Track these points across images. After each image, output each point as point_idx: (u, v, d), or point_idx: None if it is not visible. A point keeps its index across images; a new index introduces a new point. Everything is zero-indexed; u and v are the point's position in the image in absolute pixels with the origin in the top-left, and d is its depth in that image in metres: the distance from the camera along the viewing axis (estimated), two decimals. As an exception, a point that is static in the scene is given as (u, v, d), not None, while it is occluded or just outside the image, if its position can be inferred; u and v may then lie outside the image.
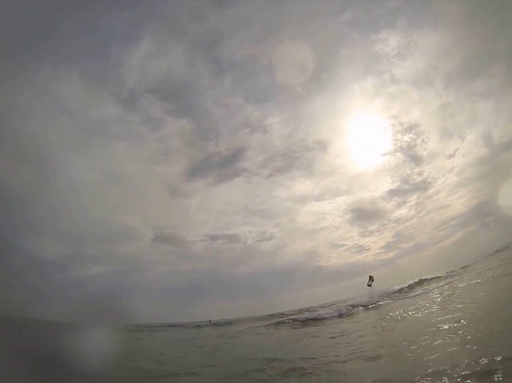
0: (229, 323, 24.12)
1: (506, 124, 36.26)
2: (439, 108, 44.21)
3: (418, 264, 35.79)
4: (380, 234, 43.11)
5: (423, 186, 44.22)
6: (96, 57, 39.79)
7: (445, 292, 16.91)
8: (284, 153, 45.06)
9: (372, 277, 22.30)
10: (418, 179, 44.29)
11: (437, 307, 13.39)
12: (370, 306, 20.33)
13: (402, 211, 44.31)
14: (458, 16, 35.94)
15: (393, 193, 45.35)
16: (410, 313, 13.87)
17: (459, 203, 41.91)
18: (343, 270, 40.97)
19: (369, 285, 22.09)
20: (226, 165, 48.51)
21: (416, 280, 24.32)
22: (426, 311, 13.06)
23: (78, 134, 38.51)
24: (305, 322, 18.01)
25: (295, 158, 45.42)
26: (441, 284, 20.43)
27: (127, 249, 38.41)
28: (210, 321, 25.60)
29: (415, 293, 20.50)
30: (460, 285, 17.39)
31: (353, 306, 20.30)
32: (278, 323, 18.59)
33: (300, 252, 41.82)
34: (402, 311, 14.84)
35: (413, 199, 43.98)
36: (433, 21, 39.46)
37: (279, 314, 23.52)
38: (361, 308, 20.26)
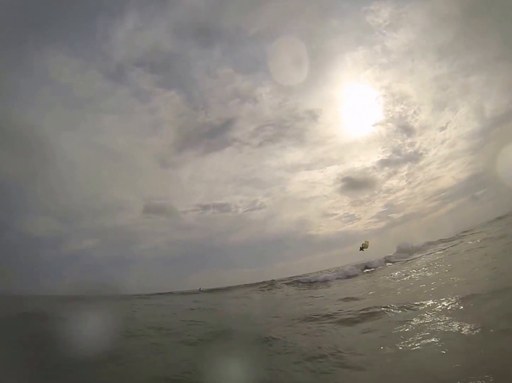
0: (220, 290, 23.49)
1: (498, 98, 35.99)
2: (431, 79, 43.58)
3: (409, 234, 35.98)
4: (370, 204, 43.27)
5: (414, 157, 44.21)
6: (82, 33, 38.13)
7: (440, 257, 17.03)
8: (274, 122, 44.35)
9: (367, 242, 21.85)
10: (410, 150, 44.21)
11: (438, 265, 13.87)
12: (372, 269, 19.94)
13: (393, 182, 44.41)
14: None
15: (384, 163, 45.33)
16: (419, 272, 13.53)
17: (450, 175, 42.19)
18: (334, 239, 41.21)
19: (361, 250, 21.59)
20: (216, 135, 48.24)
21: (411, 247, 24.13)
22: (431, 270, 13.37)
23: (67, 111, 37.67)
24: (310, 284, 17.39)
25: (286, 128, 44.68)
26: (435, 250, 20.27)
27: (119, 222, 38.36)
28: (200, 289, 24.93)
29: (413, 258, 20.19)
30: (453, 249, 17.88)
31: (357, 266, 19.70)
32: (273, 286, 17.95)
33: (291, 221, 41.83)
34: (414, 270, 14.39)
35: (404, 169, 44.00)
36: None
37: (271, 280, 22.96)
38: (366, 270, 19.83)
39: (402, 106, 44.51)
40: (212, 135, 49.65)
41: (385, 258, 21.99)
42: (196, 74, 47.76)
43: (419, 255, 20.89)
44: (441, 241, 24.08)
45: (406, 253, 22.91)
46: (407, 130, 44.64)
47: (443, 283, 9.84)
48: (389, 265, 20.18)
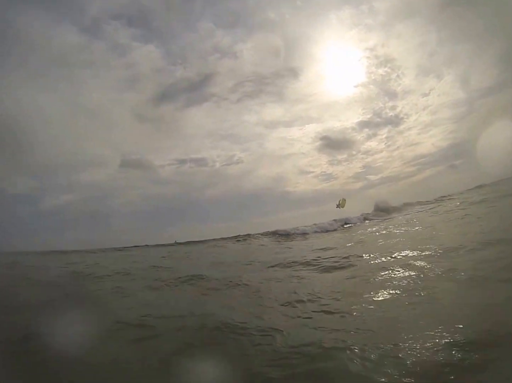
0: (196, 242, 23.04)
1: (485, 70, 35.02)
2: (418, 44, 42.20)
3: (387, 195, 36.33)
4: (348, 164, 43.01)
5: (395, 121, 43.69)
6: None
7: (420, 216, 17.01)
8: (254, 79, 42.77)
9: (344, 200, 21.44)
10: (391, 113, 43.51)
11: (420, 223, 13.64)
12: (351, 225, 19.72)
13: (372, 144, 44.06)
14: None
15: (364, 124, 44.83)
16: (400, 228, 13.27)
17: (430, 142, 42.17)
18: (310, 196, 41.19)
19: (338, 207, 21.17)
20: (195, 90, 46.88)
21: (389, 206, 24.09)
22: (412, 226, 13.09)
23: (40, 66, 35.03)
24: (288, 236, 16.95)
25: (266, 84, 43.08)
26: (413, 211, 20.31)
27: (96, 177, 37.30)
28: (176, 242, 24.36)
29: (391, 217, 20.08)
30: (432, 210, 17.75)
31: (336, 221, 19.37)
32: (249, 237, 17.47)
33: (267, 177, 41.44)
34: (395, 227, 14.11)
35: (383, 132, 43.54)
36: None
37: (247, 234, 22.54)
38: (346, 225, 19.57)
39: (385, 69, 43.23)
40: (191, 90, 48.38)
41: (363, 215, 21.76)
42: (175, 28, 45.36)
43: (398, 214, 20.83)
44: (419, 203, 24.16)
45: (384, 212, 22.79)
46: (389, 93, 43.84)
47: (426, 237, 9.43)
48: (368, 222, 19.99)
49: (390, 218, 19.43)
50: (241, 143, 46.68)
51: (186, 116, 43.48)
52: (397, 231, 12.23)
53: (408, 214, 19.44)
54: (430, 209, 18.97)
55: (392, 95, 43.91)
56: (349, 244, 11.73)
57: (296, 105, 47.83)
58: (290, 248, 13.14)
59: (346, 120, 45.65)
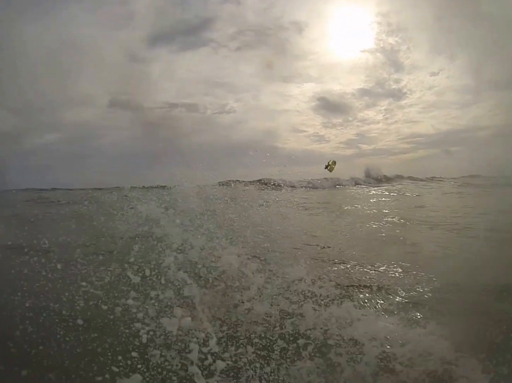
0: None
1: (501, 62, 32.88)
2: (434, 19, 39.25)
3: (378, 165, 36.05)
4: (342, 129, 41.15)
5: (397, 95, 41.43)
6: None
7: (415, 188, 16.88)
8: (256, 28, 39.65)
9: (334, 163, 20.46)
10: (394, 86, 41.10)
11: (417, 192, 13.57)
12: (341, 186, 19.01)
13: (370, 113, 42.08)
14: None
15: (364, 92, 42.49)
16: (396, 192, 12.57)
17: (429, 123, 40.72)
18: (300, 155, 40.10)
19: (326, 169, 20.17)
20: (193, 34, 43.59)
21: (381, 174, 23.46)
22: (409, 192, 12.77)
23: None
24: (275, 186, 15.96)
25: (267, 35, 40.11)
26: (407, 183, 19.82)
27: (83, 116, 35.46)
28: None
29: (382, 185, 19.46)
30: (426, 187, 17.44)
31: (327, 180, 18.42)
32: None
33: (258, 130, 39.63)
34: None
35: (383, 104, 41.34)
36: None
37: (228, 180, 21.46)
38: (337, 186, 18.83)
39: (396, 38, 39.96)
40: (188, 33, 45.04)
41: (354, 179, 21.03)
42: None
43: (388, 184, 20.24)
44: (411, 178, 23.70)
45: (375, 180, 22.16)
46: (396, 65, 41.06)
47: (416, 205, 8.69)
48: (359, 186, 19.38)
49: (381, 186, 18.77)
50: (235, 92, 44.61)
51: (180, 59, 40.84)
52: (389, 196, 11.56)
53: (400, 185, 18.85)
54: (423, 186, 18.57)
55: (399, 67, 41.40)
56: (344, 199, 11.00)
57: (297, 61, 45.36)
58: (276, 195, 12.28)
59: (347, 85, 43.42)
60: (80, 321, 2.13)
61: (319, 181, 18.00)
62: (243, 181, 17.27)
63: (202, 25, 45.46)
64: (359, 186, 19.79)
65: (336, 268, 3.80)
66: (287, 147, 39.67)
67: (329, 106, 37.94)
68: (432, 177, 23.88)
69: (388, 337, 2.23)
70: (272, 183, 15.63)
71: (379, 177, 22.33)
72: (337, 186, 18.89)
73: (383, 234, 5.62)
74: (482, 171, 20.57)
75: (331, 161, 20.14)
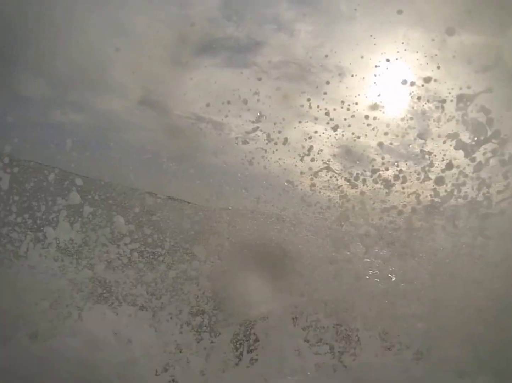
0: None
1: None
2: (473, 95, 40.34)
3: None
4: (357, 182, 41.47)
5: (418, 160, 41.90)
6: None
7: None
8: (300, 63, 40.12)
9: None
10: (417, 150, 41.70)
11: None
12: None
13: (388, 172, 42.26)
14: None
15: (387, 149, 42.13)
16: None
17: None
18: (312, 199, 39.80)
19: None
20: (239, 53, 44.05)
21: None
22: None
23: None
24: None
25: (309, 73, 40.65)
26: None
27: (112, 106, 34.79)
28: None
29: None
30: None
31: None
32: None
33: (276, 164, 39.43)
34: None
35: (403, 166, 41.64)
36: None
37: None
38: None
39: (430, 105, 39.94)
40: (234, 51, 45.37)
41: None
42: None
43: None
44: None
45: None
46: (424, 130, 41.85)
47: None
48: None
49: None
50: (263, 121, 44.47)
51: (219, 75, 41.13)
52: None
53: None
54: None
55: (426, 133, 42.08)
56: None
57: (330, 105, 45.95)
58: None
59: (372, 139, 42.85)
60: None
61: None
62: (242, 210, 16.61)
63: (251, 47, 45.15)
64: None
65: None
66: (300, 187, 39.25)
67: (349, 156, 38.02)
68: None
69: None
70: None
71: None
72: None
73: None
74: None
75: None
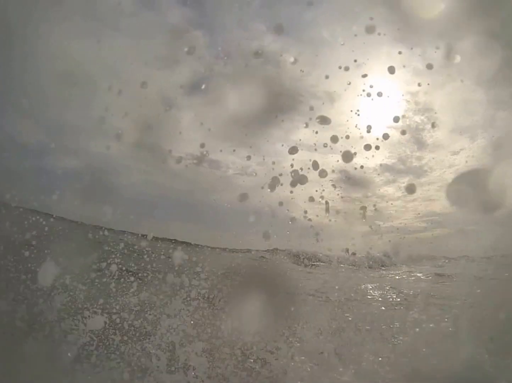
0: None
1: None
2: (460, 100, 41.22)
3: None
4: (360, 204, 41.13)
5: (418, 172, 41.88)
6: None
7: None
8: (289, 93, 41.52)
9: None
10: (415, 163, 41.81)
11: None
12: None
13: (389, 189, 42.09)
14: None
15: (386, 168, 42.84)
16: None
17: (447, 201, 40.59)
18: (316, 229, 39.34)
19: None
20: (229, 89, 45.98)
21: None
22: None
23: (84, 22, 34.23)
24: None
25: (300, 102, 41.85)
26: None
27: (107, 149, 35.99)
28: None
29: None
30: None
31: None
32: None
33: (276, 197, 39.49)
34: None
35: (404, 181, 41.67)
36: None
37: (245, 250, 20.48)
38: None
39: (422, 117, 41.92)
40: (225, 87, 47.59)
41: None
42: (227, 19, 44.39)
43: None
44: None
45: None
46: (419, 143, 42.45)
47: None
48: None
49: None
50: (259, 155, 45.57)
51: (213, 112, 42.47)
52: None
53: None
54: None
55: (422, 145, 42.44)
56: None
57: (324, 132, 46.83)
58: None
59: (370, 159, 43.60)
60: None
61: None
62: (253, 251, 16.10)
63: (239, 82, 47.23)
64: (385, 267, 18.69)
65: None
66: (302, 218, 38.93)
67: (349, 180, 38.08)
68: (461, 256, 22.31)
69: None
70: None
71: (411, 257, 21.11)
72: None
73: None
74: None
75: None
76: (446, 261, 20.97)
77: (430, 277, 12.79)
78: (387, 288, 9.48)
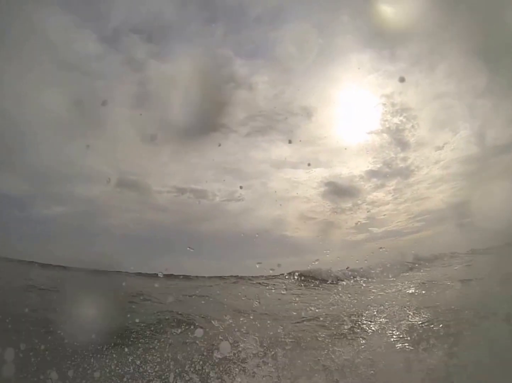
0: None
1: (503, 127, 34.89)
2: (436, 96, 42.54)
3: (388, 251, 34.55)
4: (352, 213, 40.86)
5: (405, 173, 42.21)
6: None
7: None
8: (266, 114, 42.04)
9: None
10: (401, 165, 42.27)
11: None
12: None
13: (379, 195, 42.47)
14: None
15: (372, 174, 43.42)
16: None
17: (438, 197, 40.77)
18: (309, 244, 38.79)
19: None
20: (204, 118, 45.90)
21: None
22: None
23: (56, 69, 35.23)
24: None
25: (277, 121, 42.45)
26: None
27: (91, 192, 35.89)
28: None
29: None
30: None
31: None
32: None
33: (267, 218, 39.15)
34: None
35: (392, 184, 42.17)
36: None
37: (242, 277, 20.02)
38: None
39: (401, 118, 42.73)
40: (200, 118, 47.51)
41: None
42: (194, 50, 45.30)
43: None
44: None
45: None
46: (402, 144, 42.73)
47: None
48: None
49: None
50: (245, 179, 45.33)
51: (191, 144, 42.30)
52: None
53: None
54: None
55: (405, 146, 42.91)
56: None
57: (306, 147, 47.16)
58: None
59: (355, 168, 44.18)
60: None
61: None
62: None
63: (214, 110, 46.94)
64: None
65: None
66: (296, 236, 38.46)
67: (338, 191, 38.16)
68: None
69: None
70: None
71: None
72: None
73: None
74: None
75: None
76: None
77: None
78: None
